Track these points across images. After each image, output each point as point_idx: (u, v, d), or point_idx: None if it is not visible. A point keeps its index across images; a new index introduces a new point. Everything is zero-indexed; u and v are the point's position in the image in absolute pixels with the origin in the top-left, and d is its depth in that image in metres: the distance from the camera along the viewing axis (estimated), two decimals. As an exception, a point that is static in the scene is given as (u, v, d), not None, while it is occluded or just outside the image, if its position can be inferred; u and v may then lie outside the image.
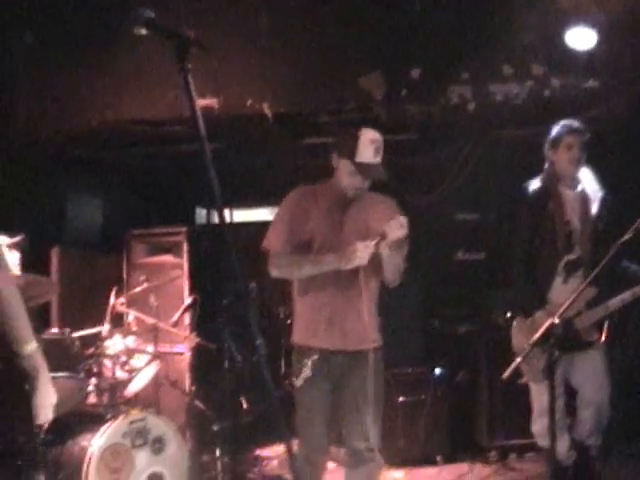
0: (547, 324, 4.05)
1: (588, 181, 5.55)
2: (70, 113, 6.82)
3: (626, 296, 5.23)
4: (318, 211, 4.78)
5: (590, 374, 5.56)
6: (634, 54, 6.12)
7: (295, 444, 4.10)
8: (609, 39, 5.93)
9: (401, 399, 6.84)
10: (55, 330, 5.99)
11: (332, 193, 4.80)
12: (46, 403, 3.97)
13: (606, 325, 5.51)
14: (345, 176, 4.69)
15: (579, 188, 5.54)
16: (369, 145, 4.60)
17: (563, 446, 5.60)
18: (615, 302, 5.27)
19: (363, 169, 4.62)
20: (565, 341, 4.61)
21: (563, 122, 5.54)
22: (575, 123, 5.52)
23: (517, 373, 4.44)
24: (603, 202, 5.50)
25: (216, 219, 2.42)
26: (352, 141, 4.60)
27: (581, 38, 5.86)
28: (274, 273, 4.76)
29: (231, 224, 2.37)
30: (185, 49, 2.37)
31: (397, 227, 4.39)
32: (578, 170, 5.51)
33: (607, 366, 5.58)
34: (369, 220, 4.73)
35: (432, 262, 7.87)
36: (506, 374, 4.12)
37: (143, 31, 2.41)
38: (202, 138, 2.42)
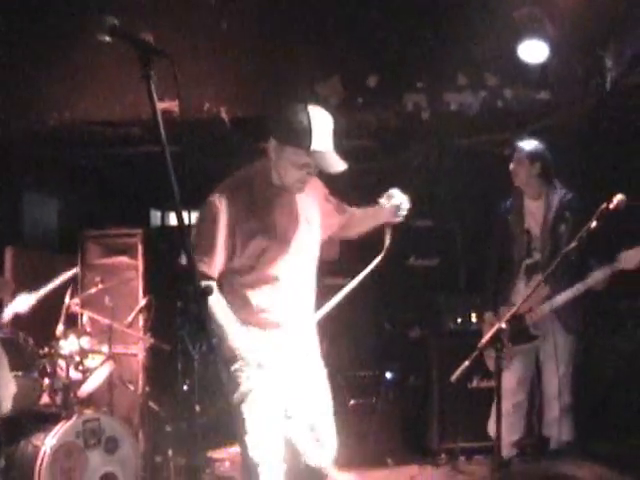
0: (495, 328, 4.15)
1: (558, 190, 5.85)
2: (27, 112, 6.80)
3: (568, 293, 5.43)
4: (256, 216, 3.94)
5: (546, 366, 5.90)
6: (585, 67, 6.25)
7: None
8: (561, 52, 6.05)
9: (352, 402, 6.91)
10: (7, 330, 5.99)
11: (261, 188, 3.97)
12: (6, 394, 4.00)
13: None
14: (290, 168, 3.85)
15: (543, 198, 5.86)
16: (324, 128, 3.79)
17: (510, 439, 5.87)
18: (558, 299, 5.48)
19: (322, 160, 3.79)
20: (516, 335, 4.92)
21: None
22: (533, 142, 5.88)
23: (466, 376, 4.53)
24: (565, 204, 5.74)
25: (171, 221, 2.47)
26: (299, 123, 3.74)
27: (534, 51, 5.97)
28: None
29: (189, 226, 2.41)
30: (148, 57, 2.41)
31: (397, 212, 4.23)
32: (533, 183, 5.76)
33: (565, 358, 5.78)
34: (303, 209, 4.08)
35: (385, 267, 7.93)
36: (454, 377, 4.21)
37: (106, 38, 2.45)
38: (163, 144, 2.47)
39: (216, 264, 3.86)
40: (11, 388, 4.02)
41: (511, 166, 5.93)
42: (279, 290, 3.99)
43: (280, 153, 3.84)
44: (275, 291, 3.99)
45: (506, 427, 5.71)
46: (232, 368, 3.95)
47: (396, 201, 4.24)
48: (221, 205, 3.84)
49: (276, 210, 3.98)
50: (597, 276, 5.32)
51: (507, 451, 5.86)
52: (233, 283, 4.01)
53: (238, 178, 4.00)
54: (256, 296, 3.98)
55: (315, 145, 3.74)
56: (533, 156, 5.83)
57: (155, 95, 2.50)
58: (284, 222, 3.99)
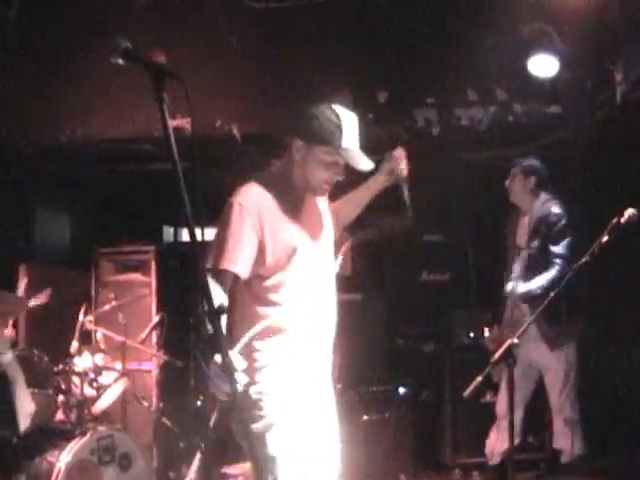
0: (507, 343, 4.15)
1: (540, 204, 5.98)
2: (41, 128, 6.85)
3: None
4: (282, 219, 3.75)
5: (545, 381, 6.09)
6: (594, 81, 6.27)
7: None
8: (570, 67, 6.07)
9: (365, 417, 6.91)
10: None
11: (283, 191, 3.78)
12: (24, 412, 4.03)
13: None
14: (318, 168, 3.69)
15: (529, 214, 6.02)
16: (352, 127, 3.67)
17: (499, 446, 6.02)
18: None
19: (351, 158, 3.66)
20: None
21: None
22: (527, 160, 6.07)
23: (479, 391, 4.53)
24: (540, 218, 5.93)
25: (184, 238, 2.49)
26: (330, 122, 3.62)
27: (543, 66, 5.99)
28: None
29: (202, 242, 2.42)
30: (161, 79, 2.44)
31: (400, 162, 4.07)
32: (526, 198, 6.01)
33: (559, 374, 5.92)
34: (323, 212, 3.97)
35: (397, 282, 7.96)
36: (467, 392, 4.20)
37: (120, 61, 2.48)
38: (176, 164, 2.49)
39: (246, 265, 3.63)
40: (30, 407, 4.05)
41: (506, 182, 6.07)
42: (307, 295, 3.80)
43: (307, 153, 3.68)
44: (303, 296, 3.78)
45: (496, 437, 5.84)
46: (256, 391, 3.68)
47: (391, 158, 4.12)
48: (246, 206, 3.64)
49: (302, 213, 3.83)
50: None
51: (495, 459, 6.09)
52: (252, 294, 3.76)
53: (259, 180, 3.78)
54: (281, 301, 3.75)
55: (345, 143, 3.62)
56: (527, 170, 5.95)
57: (167, 116, 2.51)
58: (310, 225, 3.85)
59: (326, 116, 3.63)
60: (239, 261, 3.59)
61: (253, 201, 3.67)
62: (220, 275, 3.55)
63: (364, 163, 3.72)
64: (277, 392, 3.70)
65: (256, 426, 3.59)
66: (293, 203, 3.80)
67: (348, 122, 3.66)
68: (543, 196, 5.98)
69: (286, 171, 3.80)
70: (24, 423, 4.04)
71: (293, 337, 3.76)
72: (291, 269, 3.74)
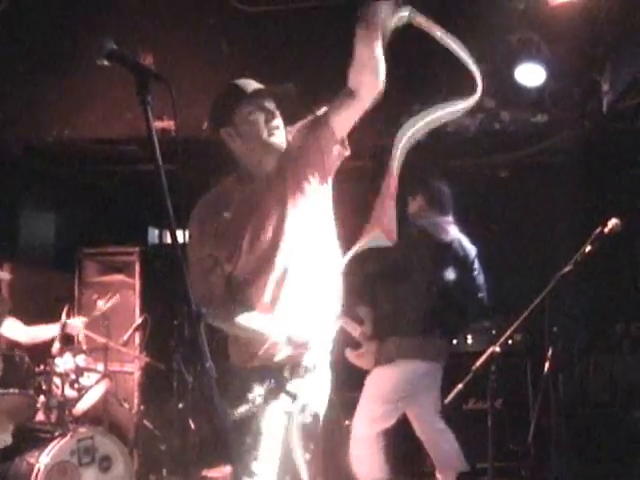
0: (489, 351, 4.17)
1: None
2: (26, 128, 6.83)
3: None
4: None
5: None
6: (581, 90, 6.29)
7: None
8: (557, 76, 6.08)
9: (347, 423, 6.90)
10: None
11: (238, 193, 3.68)
12: None
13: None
14: (251, 132, 3.60)
15: None
16: (245, 80, 3.73)
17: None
18: None
19: (259, 92, 3.66)
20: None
21: None
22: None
23: (461, 398, 4.54)
24: None
25: (169, 239, 2.47)
26: (222, 97, 3.71)
27: (530, 74, 6.00)
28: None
29: (184, 245, 2.39)
30: (146, 81, 2.43)
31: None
32: None
33: None
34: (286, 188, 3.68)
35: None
36: (448, 399, 4.22)
37: (105, 62, 2.47)
38: (158, 166, 2.48)
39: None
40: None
41: None
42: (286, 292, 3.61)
43: (234, 132, 3.62)
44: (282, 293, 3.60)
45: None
46: (242, 378, 3.64)
47: None
48: (196, 223, 3.60)
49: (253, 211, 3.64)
50: None
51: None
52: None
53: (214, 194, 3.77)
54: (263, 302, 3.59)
55: (246, 91, 3.62)
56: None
57: (152, 119, 2.50)
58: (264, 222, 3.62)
59: (218, 96, 3.71)
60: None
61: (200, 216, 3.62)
62: None
63: (278, 88, 3.75)
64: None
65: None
66: (246, 202, 3.65)
67: (244, 82, 3.68)
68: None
69: (238, 169, 3.73)
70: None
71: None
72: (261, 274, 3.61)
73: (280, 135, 3.67)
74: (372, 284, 5.79)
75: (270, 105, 3.67)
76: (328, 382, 3.86)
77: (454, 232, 5.79)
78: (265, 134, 3.61)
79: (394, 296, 5.64)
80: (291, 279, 3.60)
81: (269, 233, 3.61)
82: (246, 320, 3.55)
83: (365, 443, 5.72)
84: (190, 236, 3.58)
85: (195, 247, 3.56)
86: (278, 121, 3.68)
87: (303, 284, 3.61)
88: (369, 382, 5.70)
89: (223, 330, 3.64)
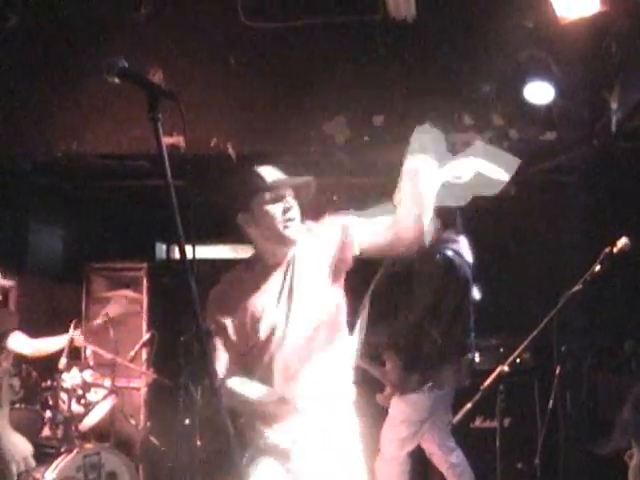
0: (498, 371, 4.15)
1: None
2: (35, 142, 6.83)
3: None
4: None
5: None
6: (590, 109, 6.28)
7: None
8: (566, 94, 6.07)
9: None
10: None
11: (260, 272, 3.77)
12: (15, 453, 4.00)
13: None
14: (266, 220, 3.63)
15: None
16: (266, 168, 3.74)
17: None
18: None
19: (278, 184, 3.64)
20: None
21: None
22: None
23: (469, 417, 4.52)
24: None
25: (177, 255, 2.47)
26: (239, 184, 3.75)
27: (539, 92, 6.01)
28: None
29: (192, 260, 2.39)
30: (156, 99, 2.43)
31: None
32: None
33: None
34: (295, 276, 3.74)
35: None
36: (456, 418, 4.20)
37: (116, 80, 2.48)
38: (168, 184, 2.48)
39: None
40: (23, 448, 4.03)
41: None
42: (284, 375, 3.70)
43: (252, 220, 3.67)
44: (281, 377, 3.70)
45: None
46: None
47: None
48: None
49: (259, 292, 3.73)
50: None
51: None
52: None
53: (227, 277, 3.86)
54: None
55: (269, 178, 3.64)
56: None
57: (162, 135, 2.50)
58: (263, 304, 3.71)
59: (239, 180, 3.75)
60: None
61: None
62: None
63: (295, 179, 3.71)
64: None
65: None
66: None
67: (260, 169, 3.70)
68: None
69: (255, 255, 3.80)
70: (17, 467, 4.02)
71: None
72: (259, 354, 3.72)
73: (295, 227, 3.68)
74: (393, 316, 5.88)
75: (288, 196, 3.67)
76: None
77: (469, 257, 5.88)
78: (281, 226, 3.62)
79: (418, 329, 5.73)
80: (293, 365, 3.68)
81: (272, 317, 3.67)
82: (238, 386, 3.67)
83: (395, 463, 5.88)
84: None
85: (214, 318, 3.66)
86: (294, 213, 3.68)
87: (307, 371, 3.69)
88: (395, 407, 5.88)
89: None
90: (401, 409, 5.88)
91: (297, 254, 3.75)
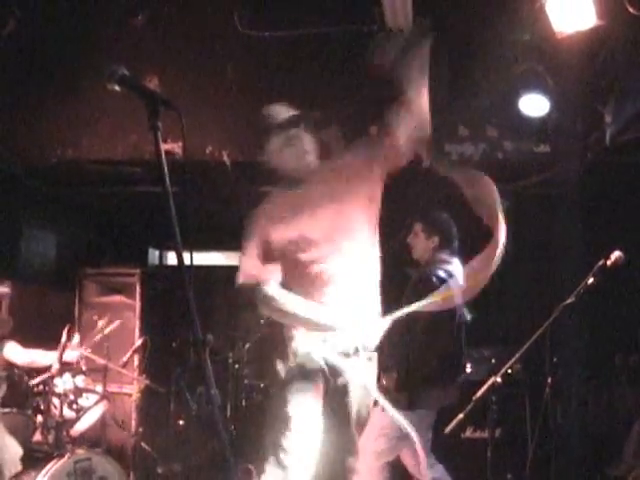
0: (490, 382, 4.17)
1: None
2: (30, 148, 6.84)
3: None
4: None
5: None
6: (584, 122, 6.31)
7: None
8: (561, 107, 6.10)
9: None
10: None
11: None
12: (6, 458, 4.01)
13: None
14: (278, 152, 4.08)
15: None
16: (275, 107, 4.17)
17: None
18: None
19: (287, 124, 4.05)
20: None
21: None
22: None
23: (461, 428, 4.53)
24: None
25: (169, 261, 2.47)
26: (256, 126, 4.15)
27: (534, 104, 6.03)
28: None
29: (189, 267, 2.41)
30: (156, 108, 2.45)
31: None
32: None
33: None
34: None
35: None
36: (449, 428, 4.21)
37: (116, 87, 2.49)
38: (167, 191, 2.49)
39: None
40: (14, 451, 4.05)
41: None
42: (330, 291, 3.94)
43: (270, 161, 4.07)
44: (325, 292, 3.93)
45: None
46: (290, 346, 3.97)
47: None
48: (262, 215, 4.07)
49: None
50: None
51: None
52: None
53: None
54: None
55: (278, 119, 4.07)
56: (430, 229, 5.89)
57: (161, 144, 2.52)
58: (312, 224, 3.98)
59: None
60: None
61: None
62: None
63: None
64: None
65: None
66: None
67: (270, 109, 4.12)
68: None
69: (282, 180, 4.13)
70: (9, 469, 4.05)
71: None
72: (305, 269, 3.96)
73: (312, 157, 4.08)
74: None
75: (299, 135, 4.06)
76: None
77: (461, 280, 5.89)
78: (297, 164, 4.04)
79: (413, 349, 5.72)
80: (337, 275, 3.92)
81: (321, 232, 3.95)
82: (293, 305, 3.89)
83: (371, 475, 5.80)
84: (252, 222, 4.05)
85: (256, 231, 4.01)
86: (308, 146, 4.09)
87: (347, 282, 3.94)
88: (376, 420, 5.79)
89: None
90: (381, 423, 5.80)
91: (331, 172, 4.08)
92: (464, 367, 5.98)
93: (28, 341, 6.27)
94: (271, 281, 3.94)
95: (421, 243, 5.88)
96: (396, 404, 5.75)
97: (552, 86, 6.00)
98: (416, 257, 5.95)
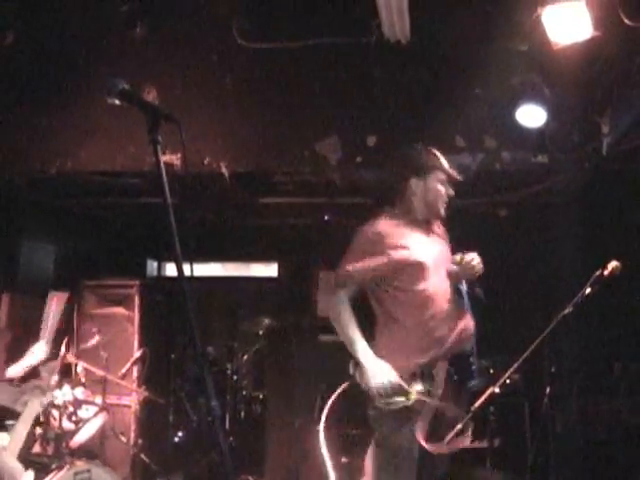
0: (488, 392, 4.18)
1: None
2: (29, 159, 6.84)
3: None
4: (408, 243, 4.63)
5: None
6: (582, 132, 6.33)
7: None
8: (558, 117, 6.12)
9: (344, 460, 6.88)
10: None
11: (410, 222, 4.72)
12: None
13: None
14: (436, 190, 4.69)
15: None
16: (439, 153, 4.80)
17: None
18: None
19: (450, 170, 4.72)
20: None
21: None
22: None
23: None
24: None
25: (168, 272, 2.48)
26: (431, 155, 4.76)
27: (532, 115, 6.05)
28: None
29: (189, 278, 2.41)
30: (156, 121, 2.46)
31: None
32: None
33: None
34: (443, 239, 4.90)
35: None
36: (447, 439, 4.22)
37: (116, 101, 2.51)
38: (167, 204, 2.51)
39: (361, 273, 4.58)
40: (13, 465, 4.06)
41: None
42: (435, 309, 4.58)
43: (424, 185, 4.68)
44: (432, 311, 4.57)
45: None
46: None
47: (468, 259, 4.66)
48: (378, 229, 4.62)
49: (424, 237, 4.71)
50: None
51: None
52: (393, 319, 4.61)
53: (384, 216, 4.74)
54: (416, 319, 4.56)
55: (446, 165, 4.72)
56: None
57: (161, 157, 2.53)
58: (429, 247, 4.67)
59: (421, 150, 4.78)
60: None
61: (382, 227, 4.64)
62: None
63: (455, 174, 4.74)
64: None
65: None
66: (416, 229, 4.70)
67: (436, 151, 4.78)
68: None
69: (406, 209, 4.73)
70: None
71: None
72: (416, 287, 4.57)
73: (444, 209, 4.76)
74: None
75: (449, 187, 4.74)
76: None
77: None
78: (440, 204, 4.72)
79: None
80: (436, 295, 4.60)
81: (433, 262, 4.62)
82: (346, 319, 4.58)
83: None
84: (378, 240, 4.58)
85: (383, 248, 4.55)
86: (450, 196, 4.75)
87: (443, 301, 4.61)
88: None
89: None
90: None
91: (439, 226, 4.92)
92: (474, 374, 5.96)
93: (25, 352, 6.25)
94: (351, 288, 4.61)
95: None
96: None
97: (549, 97, 6.01)
98: None
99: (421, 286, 4.55)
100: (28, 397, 5.13)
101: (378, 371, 4.46)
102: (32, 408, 5.10)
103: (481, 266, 4.65)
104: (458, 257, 4.62)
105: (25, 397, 5.14)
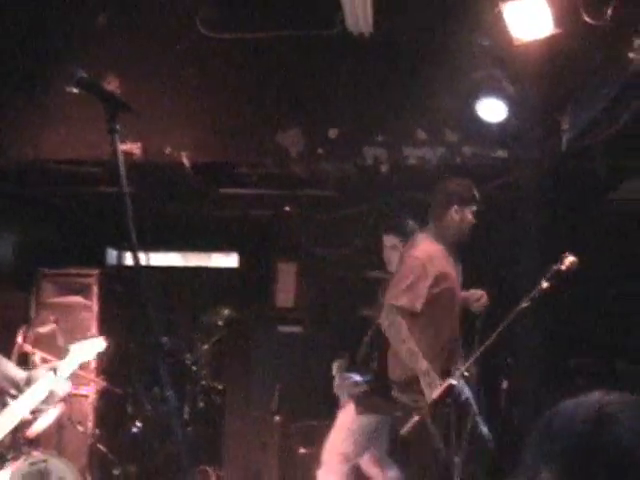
0: (446, 384, 4.21)
1: None
2: (-12, 149, 6.81)
3: None
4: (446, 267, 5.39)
5: None
6: (541, 128, 6.38)
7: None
8: (519, 113, 6.17)
9: (302, 450, 6.90)
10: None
11: (446, 247, 5.40)
12: None
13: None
14: (469, 220, 5.37)
15: None
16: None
17: None
18: None
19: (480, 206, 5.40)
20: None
21: None
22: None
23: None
24: None
25: (128, 261, 2.48)
26: (469, 189, 5.40)
27: (492, 110, 6.09)
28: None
29: (146, 267, 2.40)
30: (115, 111, 2.45)
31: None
32: None
33: None
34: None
35: (339, 316, 7.99)
36: (405, 429, 4.25)
37: (75, 90, 2.49)
38: (124, 193, 2.50)
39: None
40: None
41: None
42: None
43: (462, 213, 5.34)
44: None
45: None
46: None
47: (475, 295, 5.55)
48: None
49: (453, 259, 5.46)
50: None
51: None
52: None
53: (429, 238, 5.43)
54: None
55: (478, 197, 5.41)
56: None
57: (119, 146, 2.53)
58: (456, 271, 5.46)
59: (467, 184, 5.43)
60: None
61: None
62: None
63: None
64: None
65: None
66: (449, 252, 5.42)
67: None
68: None
69: (441, 231, 5.39)
70: None
71: None
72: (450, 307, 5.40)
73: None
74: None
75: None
76: None
77: None
78: (467, 229, 5.41)
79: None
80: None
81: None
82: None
83: (337, 475, 5.86)
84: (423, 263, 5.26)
85: (431, 270, 5.26)
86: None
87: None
88: (345, 421, 5.89)
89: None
90: (351, 425, 5.87)
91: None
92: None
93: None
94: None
95: (395, 255, 5.91)
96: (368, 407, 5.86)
97: (510, 92, 6.06)
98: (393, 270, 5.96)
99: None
100: None
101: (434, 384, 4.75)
102: None
103: (486, 300, 5.50)
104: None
105: None
